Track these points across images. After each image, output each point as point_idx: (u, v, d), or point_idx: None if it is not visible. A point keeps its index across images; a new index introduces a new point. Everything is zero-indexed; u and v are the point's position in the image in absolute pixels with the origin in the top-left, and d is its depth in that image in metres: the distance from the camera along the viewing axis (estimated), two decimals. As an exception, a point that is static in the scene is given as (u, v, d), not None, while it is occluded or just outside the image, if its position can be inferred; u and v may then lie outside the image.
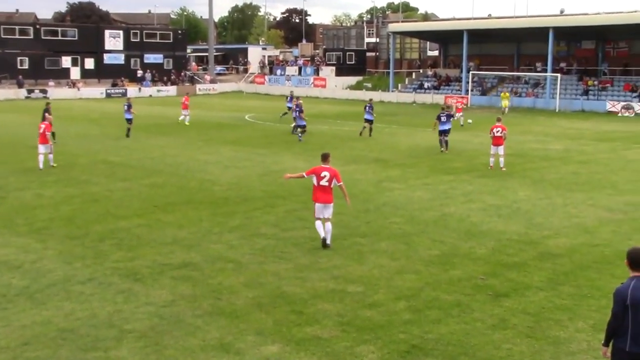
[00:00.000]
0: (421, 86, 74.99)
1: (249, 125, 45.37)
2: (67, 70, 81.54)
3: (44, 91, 73.34)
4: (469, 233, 16.85)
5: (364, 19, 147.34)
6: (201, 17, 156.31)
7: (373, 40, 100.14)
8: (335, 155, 30.09)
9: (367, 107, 38.76)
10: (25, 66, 78.86)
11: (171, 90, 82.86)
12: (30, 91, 73.26)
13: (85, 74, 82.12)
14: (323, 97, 75.83)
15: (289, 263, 14.22)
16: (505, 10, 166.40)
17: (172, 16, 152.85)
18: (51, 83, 77.08)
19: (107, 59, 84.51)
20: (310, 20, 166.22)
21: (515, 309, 11.66)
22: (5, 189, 22.30)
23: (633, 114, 55.80)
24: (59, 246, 15.45)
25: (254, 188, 22.73)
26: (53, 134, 34.45)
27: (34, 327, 10.79)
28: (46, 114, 28.86)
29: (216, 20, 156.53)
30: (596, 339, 10.32)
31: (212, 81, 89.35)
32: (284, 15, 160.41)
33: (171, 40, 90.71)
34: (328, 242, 15.36)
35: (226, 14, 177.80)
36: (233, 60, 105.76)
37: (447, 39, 78.54)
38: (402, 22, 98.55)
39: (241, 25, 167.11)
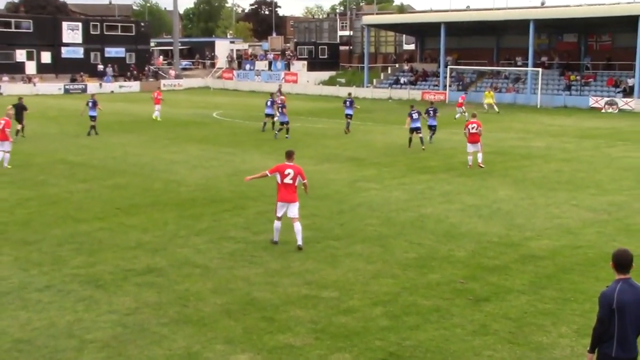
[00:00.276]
0: (397, 81, 75.27)
1: (217, 123, 45.25)
2: (22, 64, 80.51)
3: (-5, 87, 72.53)
4: (447, 235, 16.94)
5: (337, 11, 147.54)
6: (165, 8, 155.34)
7: (346, 33, 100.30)
8: (307, 154, 30.36)
9: (346, 102, 39.41)
10: (-24, 60, 77.91)
11: (134, 86, 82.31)
12: (-20, 87, 72.38)
13: (42, 68, 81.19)
14: (295, 93, 75.75)
15: (259, 268, 14.19)
16: (484, 1, 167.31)
17: (135, 7, 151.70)
18: (5, 78, 76.13)
19: (65, 52, 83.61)
20: (281, 12, 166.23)
21: (496, 314, 11.74)
22: (-44, 191, 22.02)
23: (617, 110, 56.44)
24: (13, 252, 15.27)
25: (222, 189, 22.67)
26: (22, 129, 34.52)
27: (-12, 338, 10.67)
28: (9, 112, 28.49)
29: (181, 11, 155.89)
30: (580, 344, 10.42)
31: (178, 76, 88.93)
32: (253, 7, 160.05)
33: (134, 33, 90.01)
34: (299, 242, 15.49)
35: (192, 5, 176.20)
36: (199, 54, 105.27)
37: (424, 32, 78.89)
38: (377, 14, 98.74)
39: (208, 17, 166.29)
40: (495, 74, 70.52)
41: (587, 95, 60.53)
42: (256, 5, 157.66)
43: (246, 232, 17.04)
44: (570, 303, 12.25)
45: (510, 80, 68.35)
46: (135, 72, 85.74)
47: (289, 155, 15.94)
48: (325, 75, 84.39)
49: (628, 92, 59.45)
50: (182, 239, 16.40)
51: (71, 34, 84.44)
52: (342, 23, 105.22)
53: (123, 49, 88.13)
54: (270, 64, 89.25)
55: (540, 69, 62.35)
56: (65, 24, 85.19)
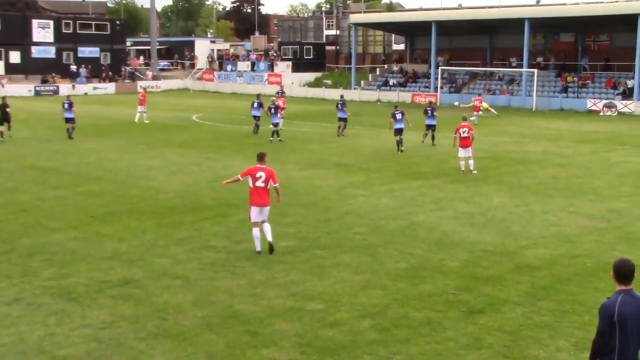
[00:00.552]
0: (386, 83, 75.42)
1: (197, 127, 45.19)
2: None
3: (-39, 88, 72.08)
4: (439, 244, 16.98)
5: (323, 9, 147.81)
6: (142, 6, 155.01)
7: (333, 32, 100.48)
8: (292, 159, 30.39)
9: (339, 105, 39.96)
10: (-61, 60, 77.52)
11: (109, 87, 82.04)
12: (-55, 88, 71.91)
13: (11, 69, 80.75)
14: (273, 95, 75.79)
15: (242, 278, 14.18)
16: (476, 0, 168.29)
17: (110, 5, 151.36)
18: (-30, 79, 75.84)
19: (36, 52, 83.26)
20: (264, 10, 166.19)
21: (490, 326, 11.77)
22: None
23: (616, 113, 56.77)
24: (-18, 263, 15.19)
25: (202, 195, 22.63)
26: (9, 129, 34.67)
27: (-45, 354, 10.60)
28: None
29: (159, 9, 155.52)
30: (579, 358, 10.46)
31: (155, 77, 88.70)
32: (235, 5, 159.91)
33: (108, 32, 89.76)
34: (269, 238, 15.69)
35: (170, 2, 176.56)
36: (178, 54, 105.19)
37: (414, 31, 79.13)
38: (365, 12, 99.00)
39: (187, 15, 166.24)
40: (488, 75, 70.79)
41: (584, 98, 60.86)
42: (238, 3, 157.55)
43: (228, 241, 17.02)
44: (568, 315, 12.30)
45: (504, 81, 68.62)
46: (108, 73, 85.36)
47: (260, 157, 16.19)
48: (311, 76, 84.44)
49: (627, 94, 59.81)
50: (160, 249, 16.36)
51: (42, 32, 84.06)
52: (329, 22, 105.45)
53: (97, 49, 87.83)
54: (252, 64, 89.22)
55: (535, 70, 62.61)
56: (35, 22, 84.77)
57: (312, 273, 14.58)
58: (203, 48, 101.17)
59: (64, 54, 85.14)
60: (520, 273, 14.68)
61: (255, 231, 15.90)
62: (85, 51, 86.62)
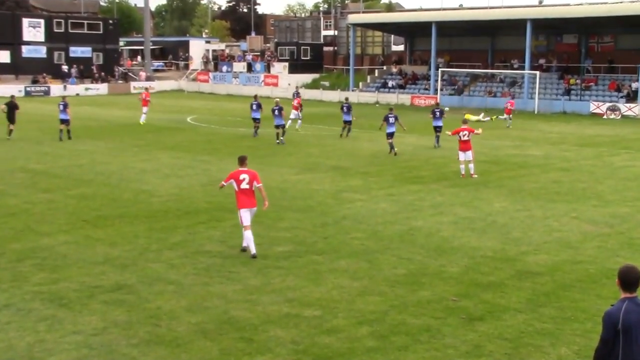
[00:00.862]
0: (385, 85, 75.50)
1: (191, 129, 45.18)
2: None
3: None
4: (439, 249, 17.00)
5: (321, 9, 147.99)
6: (135, 5, 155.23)
7: (331, 33, 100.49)
8: (289, 163, 30.43)
9: (344, 107, 40.46)
10: None
11: (101, 88, 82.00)
12: None
13: (0, 68, 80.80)
14: (275, 97, 75.91)
15: (237, 284, 14.19)
16: (478, 0, 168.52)
17: (102, 3, 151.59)
18: (-41, 79, 75.81)
19: (26, 51, 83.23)
20: (260, 10, 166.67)
21: (491, 334, 11.79)
22: None
23: (619, 116, 56.86)
24: (-29, 267, 15.19)
25: (197, 199, 22.64)
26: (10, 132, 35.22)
27: (-58, 360, 10.61)
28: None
29: (153, 8, 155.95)
30: (580, 366, 10.49)
31: (149, 78, 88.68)
32: (230, 4, 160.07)
33: (101, 32, 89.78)
34: (253, 252, 15.96)
35: (164, 1, 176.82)
36: (172, 55, 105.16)
37: (414, 32, 79.23)
38: (363, 12, 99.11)
39: (181, 15, 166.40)
40: (489, 78, 70.88)
41: (587, 101, 60.94)
42: (234, 3, 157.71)
43: (223, 245, 17.04)
44: (570, 322, 12.32)
45: (505, 84, 68.73)
46: (98, 74, 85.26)
47: (242, 160, 16.55)
48: (308, 77, 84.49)
49: (631, 97, 59.91)
50: (153, 254, 16.36)
51: (32, 31, 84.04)
52: (326, 22, 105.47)
53: (89, 49, 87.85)
54: (249, 65, 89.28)
55: (537, 72, 62.70)
56: (25, 21, 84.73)
57: (309, 279, 14.60)
58: (198, 48, 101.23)
59: (55, 53, 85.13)
60: (521, 279, 14.71)
61: (248, 233, 16.09)
62: (77, 51, 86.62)
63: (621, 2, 69.00)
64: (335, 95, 73.04)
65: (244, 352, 10.94)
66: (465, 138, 26.80)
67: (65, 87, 78.74)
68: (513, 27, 66.84)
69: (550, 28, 67.86)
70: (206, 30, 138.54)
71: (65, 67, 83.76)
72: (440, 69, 68.71)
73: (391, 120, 33.08)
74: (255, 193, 16.31)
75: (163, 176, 26.92)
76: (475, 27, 70.91)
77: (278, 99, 42.09)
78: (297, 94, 54.73)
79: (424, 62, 77.37)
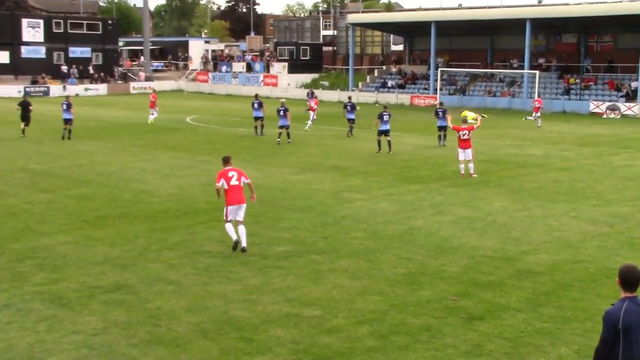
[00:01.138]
0: (384, 84, 75.54)
1: (191, 129, 45.19)
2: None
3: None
4: (438, 249, 17.01)
5: (320, 8, 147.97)
6: (134, 5, 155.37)
7: (330, 32, 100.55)
8: (289, 163, 30.44)
9: (347, 106, 40.84)
10: None
11: (101, 88, 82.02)
12: None
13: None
14: (275, 97, 75.90)
15: (237, 284, 14.19)
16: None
17: (101, 4, 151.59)
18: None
19: (25, 52, 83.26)
20: (259, 10, 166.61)
21: (490, 333, 11.80)
22: None
23: (619, 116, 56.90)
24: (-30, 267, 15.19)
25: (196, 199, 22.64)
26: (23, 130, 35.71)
27: (-58, 360, 10.61)
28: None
29: (152, 9, 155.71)
30: (580, 365, 10.50)
31: (148, 79, 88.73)
32: (230, 4, 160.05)
33: (100, 32, 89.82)
34: (244, 244, 16.26)
35: (163, 2, 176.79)
36: (172, 55, 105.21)
37: (413, 31, 79.28)
38: (363, 12, 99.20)
39: (181, 15, 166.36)
40: (489, 77, 70.91)
41: (587, 100, 61.00)
42: (233, 3, 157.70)
43: (222, 246, 17.02)
44: (570, 322, 12.33)
45: (505, 83, 68.77)
46: (97, 74, 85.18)
47: (226, 160, 17.09)
48: (308, 77, 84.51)
49: (631, 97, 59.94)
50: (153, 254, 16.36)
51: (31, 31, 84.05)
52: (326, 22, 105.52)
53: (89, 49, 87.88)
54: (248, 65, 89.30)
55: (537, 72, 62.65)
56: (25, 21, 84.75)
57: (309, 278, 14.60)
58: (197, 48, 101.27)
59: (55, 54, 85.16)
60: (521, 279, 14.71)
61: (229, 225, 16.53)
62: (77, 51, 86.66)
63: (620, 2, 69.06)
64: (335, 95, 73.04)
65: (243, 352, 10.94)
66: (465, 137, 26.82)
67: (64, 87, 78.73)
68: (512, 26, 66.85)
69: (550, 27, 67.90)
70: (205, 31, 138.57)
71: (64, 68, 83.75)
72: (439, 69, 68.70)
73: (385, 118, 33.23)
74: (244, 189, 16.68)
75: (163, 176, 26.92)
76: (474, 26, 70.95)
77: (284, 100, 42.16)
78: (313, 95, 55.70)
79: (424, 62, 77.41)
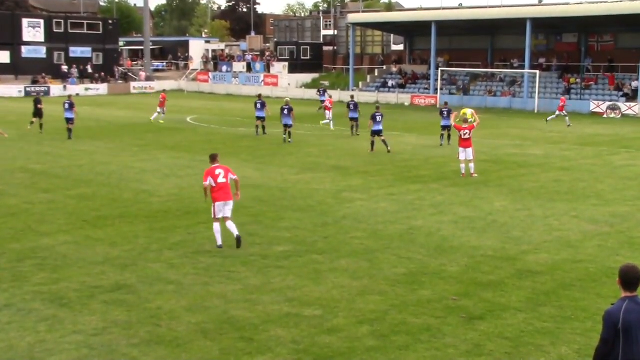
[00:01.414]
0: (385, 84, 75.51)
1: (191, 129, 45.19)
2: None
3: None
4: (439, 249, 17.01)
5: (320, 8, 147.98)
6: (135, 5, 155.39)
7: (330, 32, 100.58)
8: (289, 163, 30.44)
9: (350, 105, 41.10)
10: None
11: (101, 88, 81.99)
12: None
13: (0, 69, 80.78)
14: (275, 97, 75.88)
15: (237, 284, 14.20)
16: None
17: (102, 4, 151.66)
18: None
19: (26, 52, 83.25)
20: (260, 9, 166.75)
21: (491, 333, 11.80)
22: None
23: (620, 115, 56.89)
24: (-29, 267, 15.19)
25: (197, 199, 22.58)
26: (41, 125, 39.60)
27: (-57, 361, 10.61)
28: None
29: (152, 8, 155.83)
30: (581, 365, 10.50)
31: (149, 78, 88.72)
32: (230, 4, 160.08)
33: (101, 32, 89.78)
34: (236, 232, 16.62)
35: (164, 1, 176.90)
36: (172, 54, 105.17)
37: (413, 31, 79.25)
38: (363, 12, 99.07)
39: (181, 14, 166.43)
40: (489, 77, 70.89)
41: (587, 100, 60.97)
42: (233, 3, 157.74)
43: (223, 245, 17.02)
44: (570, 321, 12.33)
45: (505, 83, 68.75)
46: (98, 74, 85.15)
47: (214, 158, 17.38)
48: (308, 77, 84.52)
49: (631, 96, 59.92)
50: (153, 254, 16.37)
51: (32, 31, 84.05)
52: (326, 22, 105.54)
53: (89, 49, 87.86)
54: (248, 65, 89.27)
55: (537, 72, 62.75)
56: (25, 21, 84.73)
57: (309, 278, 14.60)
58: (197, 48, 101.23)
59: (55, 54, 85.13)
60: (521, 278, 14.72)
61: (217, 226, 16.71)
62: (77, 51, 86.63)
63: (621, 1, 68.99)
64: (335, 95, 72.92)
65: (244, 352, 10.94)
66: (466, 136, 26.83)
67: (65, 87, 78.69)
68: (513, 26, 66.84)
69: (550, 27, 67.87)
70: (206, 30, 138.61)
71: (65, 68, 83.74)
72: (440, 69, 68.75)
73: (378, 118, 33.36)
74: (230, 186, 16.98)
75: (163, 176, 26.92)
76: (475, 26, 70.94)
77: (288, 99, 42.17)
78: (325, 93, 56.79)
79: (424, 62, 77.37)
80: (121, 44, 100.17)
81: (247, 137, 39.73)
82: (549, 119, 50.05)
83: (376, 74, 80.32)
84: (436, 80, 68.45)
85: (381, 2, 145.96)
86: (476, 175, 26.94)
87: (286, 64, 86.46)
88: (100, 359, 10.70)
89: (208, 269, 15.22)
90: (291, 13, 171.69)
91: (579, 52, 68.66)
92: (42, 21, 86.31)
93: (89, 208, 21.28)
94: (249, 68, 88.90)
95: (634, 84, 60.53)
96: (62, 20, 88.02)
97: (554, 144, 38.28)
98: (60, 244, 17.13)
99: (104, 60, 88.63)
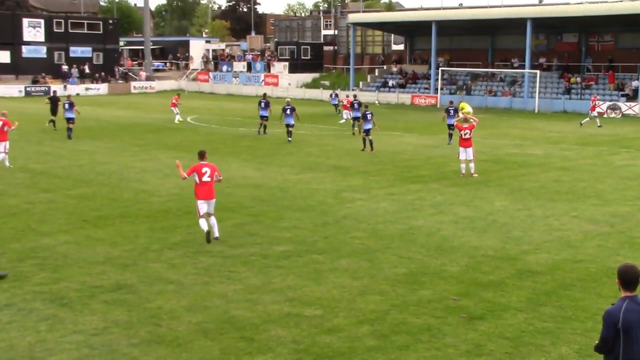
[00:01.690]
0: (385, 84, 75.49)
1: (192, 129, 45.19)
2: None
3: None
4: (439, 249, 17.01)
5: (321, 8, 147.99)
6: (135, 5, 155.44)
7: (331, 32, 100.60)
8: (289, 162, 30.44)
9: (354, 104, 41.11)
10: None
11: (102, 88, 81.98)
12: None
13: (0, 69, 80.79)
14: (275, 97, 75.89)
15: (237, 284, 14.20)
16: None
17: (102, 3, 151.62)
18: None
19: (26, 51, 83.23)
20: (260, 9, 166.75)
21: (491, 333, 11.80)
22: None
23: (620, 115, 56.88)
24: (-29, 267, 15.19)
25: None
26: (54, 122, 40.70)
27: (-57, 360, 10.62)
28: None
29: (152, 8, 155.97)
30: (581, 365, 10.50)
31: (149, 78, 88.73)
32: (230, 4, 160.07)
33: (101, 31, 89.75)
34: (216, 234, 17.08)
35: (164, 1, 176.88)
36: (172, 54, 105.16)
37: (414, 31, 79.23)
38: (364, 12, 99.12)
39: (181, 14, 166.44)
40: (490, 77, 70.87)
41: (588, 99, 60.85)
42: (234, 2, 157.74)
43: (223, 245, 17.04)
44: (570, 321, 12.34)
45: (506, 83, 68.73)
46: (98, 74, 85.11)
47: (202, 155, 17.69)
48: (308, 77, 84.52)
49: (632, 96, 59.90)
50: (154, 253, 16.38)
51: (32, 31, 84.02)
52: (326, 21, 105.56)
53: (90, 49, 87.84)
54: (249, 65, 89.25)
55: (538, 71, 62.71)
56: (25, 21, 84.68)
57: (309, 278, 14.61)
58: (198, 48, 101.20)
59: (56, 53, 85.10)
60: (521, 278, 14.72)
61: (202, 221, 17.23)
62: (77, 51, 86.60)
63: (621, 1, 68.95)
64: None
65: (244, 352, 10.95)
66: (467, 136, 26.83)
67: (65, 87, 78.66)
68: (513, 26, 66.80)
69: (551, 27, 67.84)
70: (206, 30, 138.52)
71: (65, 67, 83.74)
72: (440, 68, 68.76)
73: (369, 117, 33.58)
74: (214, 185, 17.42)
75: (163, 176, 26.92)
76: (475, 26, 70.90)
77: (289, 99, 42.34)
78: (338, 96, 57.72)
79: (424, 62, 77.34)
80: (121, 43, 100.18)
81: (248, 137, 39.74)
82: (582, 122, 48.11)
83: (376, 73, 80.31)
84: (436, 80, 68.45)
85: (381, 2, 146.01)
86: (476, 175, 26.94)
87: (286, 63, 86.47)
88: (101, 358, 10.71)
89: (208, 268, 15.22)
90: (291, 13, 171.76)
91: (579, 52, 68.63)
92: (42, 21, 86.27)
93: (89, 208, 21.28)
94: (249, 68, 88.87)
95: (634, 83, 60.51)
96: (63, 20, 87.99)
97: (554, 143, 38.27)
98: (60, 244, 17.14)
99: (104, 60, 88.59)
